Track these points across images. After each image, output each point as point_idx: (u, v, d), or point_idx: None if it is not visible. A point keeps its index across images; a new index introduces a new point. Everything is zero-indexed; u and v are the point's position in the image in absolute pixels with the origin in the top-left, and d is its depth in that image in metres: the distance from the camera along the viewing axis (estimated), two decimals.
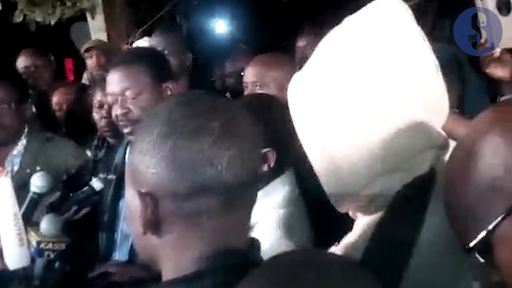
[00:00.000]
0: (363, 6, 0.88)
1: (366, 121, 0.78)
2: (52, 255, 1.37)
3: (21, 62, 2.70)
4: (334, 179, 0.81)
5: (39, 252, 1.35)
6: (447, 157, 0.81)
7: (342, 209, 0.89)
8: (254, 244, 0.73)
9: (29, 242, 1.33)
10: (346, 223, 0.96)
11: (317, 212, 1.28)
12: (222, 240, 0.68)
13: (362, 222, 0.86)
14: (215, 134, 0.66)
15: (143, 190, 0.67)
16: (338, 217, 1.00)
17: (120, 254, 1.62)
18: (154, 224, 0.67)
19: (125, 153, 1.68)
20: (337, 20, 0.93)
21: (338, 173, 0.80)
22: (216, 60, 3.52)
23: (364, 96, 0.79)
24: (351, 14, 0.90)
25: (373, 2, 0.87)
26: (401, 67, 0.79)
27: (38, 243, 1.35)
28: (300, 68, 2.60)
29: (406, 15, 0.84)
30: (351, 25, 0.87)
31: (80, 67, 4.33)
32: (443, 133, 0.84)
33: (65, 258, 1.40)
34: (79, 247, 1.53)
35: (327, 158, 0.80)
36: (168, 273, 0.69)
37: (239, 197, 0.69)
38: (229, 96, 2.97)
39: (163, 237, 0.68)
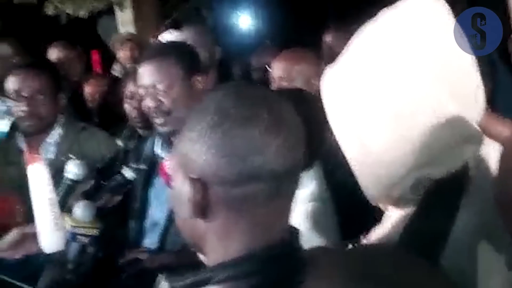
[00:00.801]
0: (389, 1, 0.89)
1: (402, 116, 0.79)
2: (85, 240, 1.41)
3: (53, 54, 2.76)
4: (369, 173, 0.83)
5: (74, 237, 1.39)
6: (481, 152, 0.82)
7: (375, 202, 0.90)
8: (294, 232, 0.75)
9: (64, 227, 1.37)
10: (372, 217, 0.97)
11: (344, 207, 1.31)
12: (266, 226, 0.71)
13: (394, 215, 0.87)
14: (264, 123, 0.69)
15: (193, 176, 0.70)
16: (365, 211, 1.02)
17: (149, 242, 1.66)
18: (202, 209, 0.70)
19: (154, 144, 1.73)
20: (364, 15, 0.93)
21: (373, 166, 0.81)
22: (241, 54, 3.55)
23: (400, 90, 0.79)
24: (378, 9, 0.90)
25: None
26: (437, 61, 0.79)
27: (73, 228, 1.40)
28: (327, 64, 2.60)
29: (442, 8, 0.83)
30: (387, 19, 0.87)
31: (106, 59, 4.42)
32: (478, 129, 0.83)
33: (97, 244, 1.44)
34: (111, 234, 1.57)
35: (363, 152, 0.82)
36: (212, 257, 0.72)
37: (284, 185, 0.71)
38: None
39: (210, 222, 0.71)
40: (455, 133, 0.80)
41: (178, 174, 0.73)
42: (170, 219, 1.62)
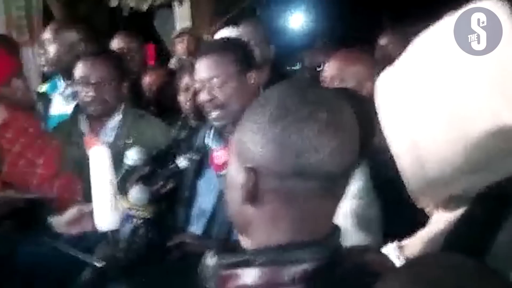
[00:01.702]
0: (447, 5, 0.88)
1: (455, 120, 0.79)
2: (138, 222, 1.49)
3: (115, 44, 2.88)
4: (418, 175, 0.83)
5: (128, 218, 1.47)
6: None
7: (421, 204, 0.90)
8: (337, 230, 0.78)
9: (119, 208, 1.43)
10: (417, 220, 0.98)
11: (389, 206, 1.33)
12: (312, 221, 0.74)
13: (441, 218, 0.87)
14: (322, 124, 0.71)
15: (248, 165, 0.73)
16: (409, 212, 1.03)
17: (194, 229, 1.72)
18: (253, 196, 0.73)
19: (205, 135, 1.79)
20: (420, 19, 0.93)
21: (423, 169, 0.82)
22: (294, 53, 3.58)
23: (457, 94, 0.79)
24: (433, 13, 0.90)
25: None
26: (495, 67, 0.79)
27: (128, 209, 1.48)
28: (380, 66, 2.59)
29: (503, 14, 0.81)
30: (445, 24, 0.86)
31: (161, 53, 4.55)
32: None
33: (149, 226, 1.52)
34: (161, 218, 1.65)
35: (414, 154, 0.82)
36: (256, 241, 0.76)
37: (335, 185, 0.74)
38: None
39: (259, 209, 0.74)
40: (509, 141, 0.78)
41: (234, 161, 0.77)
42: (217, 208, 1.69)
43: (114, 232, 1.42)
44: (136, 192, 1.48)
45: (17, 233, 1.54)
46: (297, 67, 3.28)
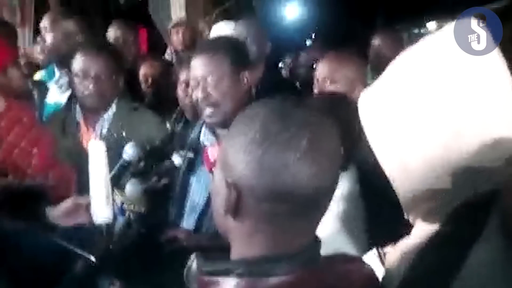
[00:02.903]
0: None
1: (445, 136, 0.80)
2: (132, 216, 1.52)
3: (112, 33, 2.87)
4: (407, 187, 0.85)
5: (122, 211, 1.50)
6: None
7: (410, 215, 0.91)
8: (317, 242, 0.80)
9: (114, 202, 1.47)
10: (402, 226, 0.99)
11: (374, 211, 1.37)
12: (290, 237, 0.76)
13: (422, 229, 0.88)
14: (301, 151, 0.72)
15: (229, 180, 0.75)
16: (395, 219, 1.06)
17: (186, 225, 1.75)
18: (233, 210, 0.76)
19: (199, 132, 1.81)
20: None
21: (410, 182, 0.84)
22: (288, 50, 3.60)
23: (442, 111, 0.80)
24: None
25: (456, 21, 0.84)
26: (481, 86, 0.78)
27: (122, 203, 1.50)
28: (373, 67, 2.60)
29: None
30: (430, 42, 0.86)
31: (153, 38, 4.52)
32: None
33: (141, 221, 1.55)
34: (154, 213, 1.68)
35: (402, 167, 0.84)
36: (236, 251, 0.79)
37: (314, 206, 0.76)
38: (299, 86, 3.06)
39: (238, 223, 0.76)
40: (496, 155, 0.78)
41: (219, 171, 0.79)
42: (208, 205, 1.70)
43: (109, 225, 1.45)
44: (130, 187, 1.51)
45: (12, 224, 1.56)
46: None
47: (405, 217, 0.95)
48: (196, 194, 1.76)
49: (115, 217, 1.48)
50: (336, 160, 0.77)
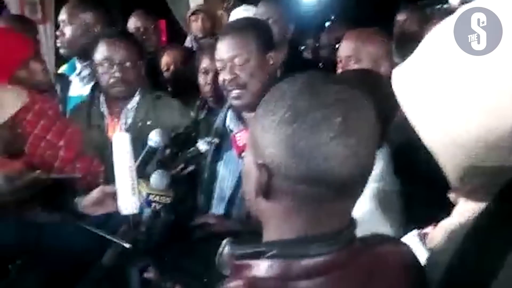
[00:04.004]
0: None
1: (492, 109, 0.75)
2: (158, 207, 1.50)
3: (132, 23, 2.87)
4: (451, 163, 0.81)
5: (148, 202, 1.47)
6: None
7: (454, 192, 0.87)
8: (352, 223, 0.76)
9: (140, 193, 1.44)
10: (441, 204, 0.97)
11: (411, 189, 1.33)
12: (324, 219, 0.73)
13: (466, 208, 0.84)
14: (335, 130, 0.68)
15: (259, 161, 0.72)
16: (432, 197, 1.02)
17: (215, 211, 1.75)
18: (265, 192, 0.73)
19: (225, 117, 1.79)
20: None
21: (455, 157, 0.80)
22: (310, 31, 3.54)
23: (489, 82, 0.76)
24: None
25: None
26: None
27: (148, 194, 1.47)
28: (398, 44, 2.54)
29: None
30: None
31: (172, 29, 4.51)
32: None
33: (170, 209, 1.53)
34: (183, 199, 1.67)
35: (445, 143, 0.80)
36: (269, 233, 0.76)
37: (348, 190, 0.72)
38: (322, 67, 3.01)
39: (271, 204, 0.74)
40: None
41: (249, 153, 0.77)
42: (236, 191, 1.70)
43: (135, 216, 1.43)
44: (156, 178, 1.49)
45: (44, 215, 1.57)
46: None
47: (446, 195, 0.91)
48: (224, 180, 1.75)
49: (141, 209, 1.46)
50: (373, 138, 0.73)
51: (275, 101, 0.72)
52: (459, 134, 0.78)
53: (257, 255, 0.73)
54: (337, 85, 0.73)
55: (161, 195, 1.49)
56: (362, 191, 0.75)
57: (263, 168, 0.72)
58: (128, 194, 1.39)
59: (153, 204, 1.48)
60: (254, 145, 0.74)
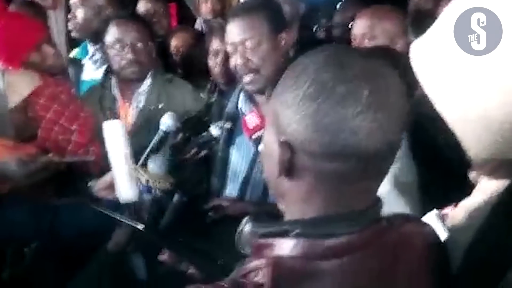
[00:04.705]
0: None
1: (507, 89, 0.74)
2: (158, 193, 1.48)
3: (142, 6, 2.84)
4: (471, 140, 0.79)
5: (148, 189, 1.47)
6: None
7: (476, 170, 0.85)
8: (378, 202, 0.74)
9: (138, 180, 1.44)
10: (460, 183, 0.95)
11: (429, 168, 1.30)
12: (349, 198, 0.70)
13: (489, 186, 0.82)
14: (362, 104, 0.65)
15: (282, 139, 0.70)
16: (451, 176, 0.99)
17: (229, 195, 1.73)
18: (288, 170, 0.70)
19: (237, 100, 1.77)
20: None
21: (474, 134, 0.78)
22: (322, 10, 3.47)
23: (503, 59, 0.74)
24: None
25: None
26: None
27: (147, 181, 1.47)
28: (413, 22, 2.49)
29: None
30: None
31: (183, 13, 4.46)
32: None
33: (172, 196, 1.51)
34: (197, 183, 1.67)
35: (465, 119, 0.78)
36: (291, 212, 0.74)
37: (375, 167, 0.69)
38: None
39: (294, 183, 0.71)
40: None
41: (269, 131, 0.74)
42: (249, 173, 1.69)
43: (136, 203, 1.43)
44: (154, 164, 1.48)
45: (58, 198, 1.58)
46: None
47: (464, 176, 0.89)
48: (237, 164, 1.74)
49: (141, 195, 1.45)
50: (401, 113, 0.69)
51: (297, 76, 0.69)
52: (480, 111, 0.76)
53: (281, 234, 0.71)
54: (363, 57, 0.70)
55: (160, 181, 1.47)
56: (388, 169, 0.72)
57: (285, 145, 0.69)
58: (126, 182, 1.38)
59: (153, 191, 1.47)
60: (275, 123, 0.72)
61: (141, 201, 1.44)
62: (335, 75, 0.67)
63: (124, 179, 1.38)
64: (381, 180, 0.73)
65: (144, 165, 1.53)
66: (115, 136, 1.40)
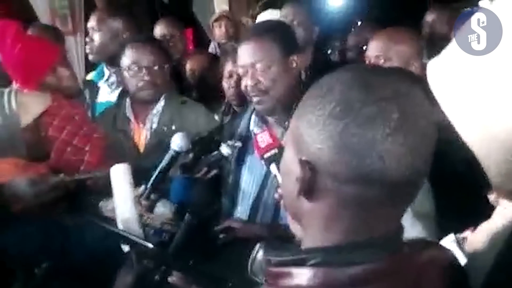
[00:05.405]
0: None
1: None
2: (166, 237, 1.45)
3: (158, 30, 2.89)
4: (492, 160, 0.76)
5: (154, 232, 1.40)
6: None
7: (495, 193, 0.83)
8: (400, 230, 0.71)
9: (144, 224, 1.39)
10: (478, 207, 0.91)
11: (446, 191, 1.26)
12: (372, 225, 0.67)
13: (509, 209, 0.79)
14: (391, 127, 0.62)
15: (303, 158, 0.67)
16: (469, 199, 0.96)
17: (240, 215, 1.72)
18: (308, 191, 0.67)
19: (249, 121, 1.77)
20: None
21: (495, 154, 0.75)
22: (336, 33, 3.50)
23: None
24: None
25: None
26: None
27: (154, 225, 1.41)
28: (427, 44, 2.46)
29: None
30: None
31: (198, 37, 4.54)
32: None
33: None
34: (207, 204, 1.65)
35: (485, 139, 0.75)
36: (310, 238, 0.71)
37: (401, 194, 0.66)
38: None
39: (314, 205, 0.68)
40: None
41: (290, 149, 0.71)
42: (260, 194, 1.68)
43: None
44: (163, 207, 1.47)
45: (69, 218, 1.57)
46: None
47: (482, 198, 0.86)
48: (247, 184, 1.73)
49: (148, 238, 1.42)
50: (431, 137, 0.66)
51: (322, 96, 0.66)
52: (500, 130, 0.73)
53: (299, 263, 0.67)
54: (393, 77, 0.67)
55: (169, 224, 1.45)
56: (414, 197, 0.69)
57: (306, 165, 0.66)
58: (131, 224, 1.35)
59: (163, 234, 1.44)
60: (297, 140, 0.69)
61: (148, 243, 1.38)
62: (362, 95, 0.64)
63: (130, 222, 1.36)
64: (406, 207, 0.70)
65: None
66: (122, 180, 1.39)
